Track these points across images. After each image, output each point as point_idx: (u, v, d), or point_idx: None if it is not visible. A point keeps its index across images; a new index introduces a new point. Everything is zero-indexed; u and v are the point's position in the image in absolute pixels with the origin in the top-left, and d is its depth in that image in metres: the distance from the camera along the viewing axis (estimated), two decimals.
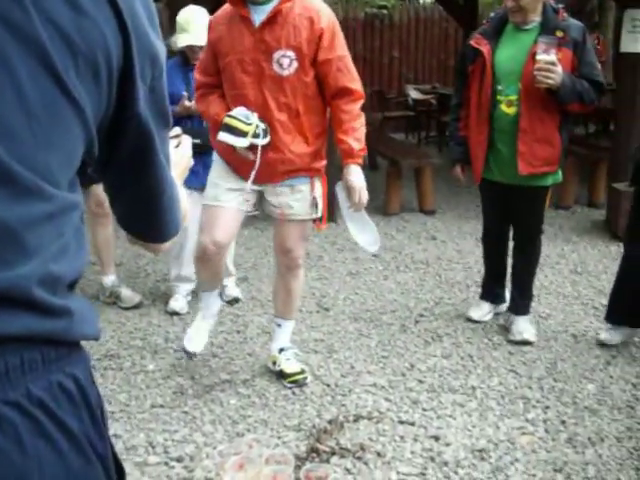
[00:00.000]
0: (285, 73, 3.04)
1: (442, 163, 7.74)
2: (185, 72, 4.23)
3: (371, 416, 3.20)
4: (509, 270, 4.22)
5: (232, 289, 4.65)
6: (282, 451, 2.86)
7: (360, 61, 13.05)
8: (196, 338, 3.56)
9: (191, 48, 4.12)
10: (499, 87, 3.72)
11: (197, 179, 3.59)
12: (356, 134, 3.16)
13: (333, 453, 2.90)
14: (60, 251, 0.92)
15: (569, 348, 3.91)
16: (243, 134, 3.02)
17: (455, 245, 5.98)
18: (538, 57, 3.50)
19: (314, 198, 3.28)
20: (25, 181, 0.86)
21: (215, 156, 3.35)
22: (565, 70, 3.53)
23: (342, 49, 3.12)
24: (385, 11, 13.59)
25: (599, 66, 3.80)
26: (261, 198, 3.34)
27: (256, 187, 3.26)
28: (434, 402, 3.33)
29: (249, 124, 3.02)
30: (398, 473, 2.77)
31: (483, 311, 4.29)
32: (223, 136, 3.03)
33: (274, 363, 3.58)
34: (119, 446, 2.95)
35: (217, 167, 3.33)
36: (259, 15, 3.02)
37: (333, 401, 3.34)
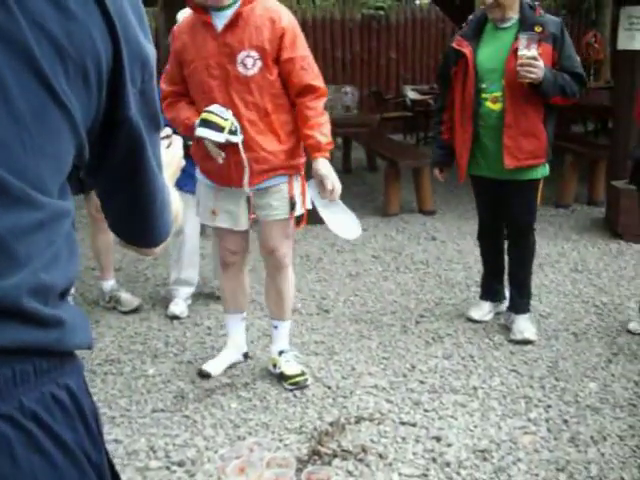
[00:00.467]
0: (250, 73, 3.10)
1: None
2: None
3: (372, 418, 3.19)
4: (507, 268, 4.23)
5: None
6: (284, 454, 2.85)
7: (357, 62, 13.09)
8: (215, 361, 3.68)
9: None
10: (483, 85, 3.78)
11: (192, 181, 3.58)
12: (322, 129, 3.18)
13: (335, 455, 2.89)
14: (51, 260, 0.90)
15: (570, 347, 3.90)
16: (220, 129, 3.06)
17: (455, 245, 5.97)
18: (520, 53, 3.55)
19: (292, 197, 3.30)
20: (14, 190, 0.84)
21: (198, 175, 3.42)
22: (546, 64, 3.59)
23: (304, 49, 3.19)
24: (382, 12, 13.58)
25: (578, 58, 3.87)
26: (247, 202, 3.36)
27: (239, 194, 3.30)
28: (435, 403, 3.32)
29: (225, 119, 3.07)
30: (400, 475, 2.76)
31: (484, 311, 4.28)
32: (201, 131, 3.07)
33: (274, 366, 3.58)
34: (120, 451, 2.95)
35: (203, 189, 3.42)
36: (221, 20, 3.11)
37: (334, 403, 3.33)
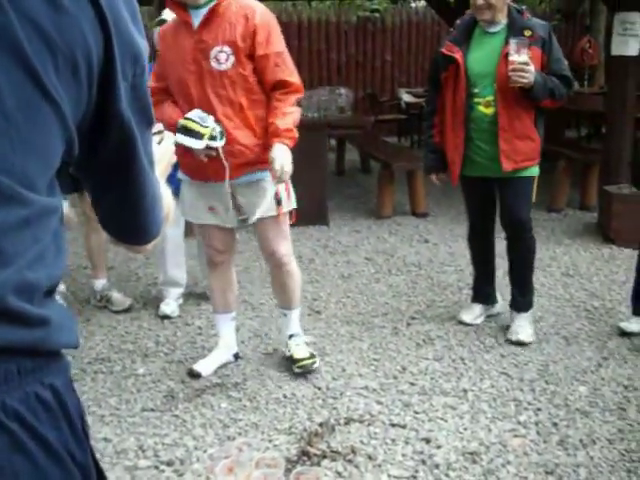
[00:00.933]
0: (223, 67, 3.15)
1: None
2: None
3: (362, 419, 3.19)
4: (505, 269, 4.24)
5: None
6: (273, 454, 2.85)
7: (352, 64, 13.09)
8: (205, 361, 3.68)
9: None
10: (475, 90, 3.79)
11: (175, 181, 3.57)
12: (285, 117, 3.19)
13: (324, 456, 2.89)
14: (37, 257, 0.89)
15: (561, 350, 3.91)
16: (199, 136, 3.10)
17: (447, 248, 5.98)
18: (511, 58, 3.58)
19: (276, 193, 3.32)
20: (2, 187, 0.83)
21: (181, 174, 3.45)
22: (535, 68, 3.61)
23: (279, 45, 3.21)
24: (377, 14, 13.60)
25: (566, 61, 3.92)
26: (234, 202, 3.38)
27: (222, 190, 3.32)
28: (425, 405, 3.32)
29: (205, 126, 3.10)
30: (389, 476, 2.76)
31: (475, 314, 4.29)
32: (180, 138, 3.08)
33: (287, 348, 3.70)
34: (109, 450, 2.94)
35: (186, 187, 3.45)
36: (198, 18, 3.18)
37: (324, 404, 3.33)
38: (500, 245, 4.25)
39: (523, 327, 4.03)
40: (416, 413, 3.24)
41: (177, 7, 3.20)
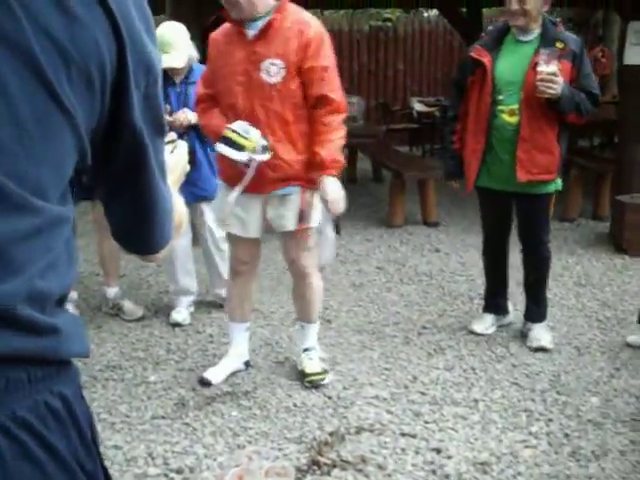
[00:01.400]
0: (272, 80, 3.14)
1: None
2: (164, 87, 4.22)
3: (373, 428, 3.18)
4: (519, 280, 4.24)
5: None
6: (283, 463, 2.84)
7: (365, 73, 13.12)
8: (216, 369, 3.66)
9: (171, 69, 4.07)
10: (500, 97, 3.76)
11: (188, 190, 3.58)
12: (330, 145, 3.20)
13: (334, 465, 2.88)
14: (48, 266, 0.89)
15: (572, 361, 3.89)
16: (241, 148, 3.09)
17: (459, 257, 5.96)
18: (540, 68, 3.55)
19: (302, 210, 3.33)
20: (14, 196, 0.83)
21: (219, 182, 3.49)
22: (564, 81, 3.59)
23: (327, 60, 3.21)
24: (390, 24, 13.63)
25: (595, 78, 3.90)
26: (264, 213, 3.41)
27: (256, 202, 3.36)
28: (436, 415, 3.31)
29: (246, 138, 3.09)
30: None
31: (486, 324, 4.27)
32: (220, 147, 3.12)
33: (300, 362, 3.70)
34: (119, 457, 2.94)
35: (222, 193, 3.43)
36: (253, 30, 3.17)
37: (335, 413, 3.32)
38: (513, 255, 4.24)
39: (542, 335, 4.04)
40: (426, 423, 3.23)
41: (233, 20, 3.22)
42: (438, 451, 2.99)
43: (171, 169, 1.22)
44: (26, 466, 0.84)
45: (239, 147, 3.09)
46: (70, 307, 4.09)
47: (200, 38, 5.26)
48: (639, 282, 5.22)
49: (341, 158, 3.26)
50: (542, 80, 3.54)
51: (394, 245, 6.36)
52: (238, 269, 3.59)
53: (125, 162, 1.02)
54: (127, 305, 4.59)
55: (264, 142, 3.13)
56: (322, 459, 2.91)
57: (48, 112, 0.85)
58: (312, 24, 3.19)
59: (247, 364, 3.77)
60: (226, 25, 3.32)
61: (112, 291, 4.61)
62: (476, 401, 3.44)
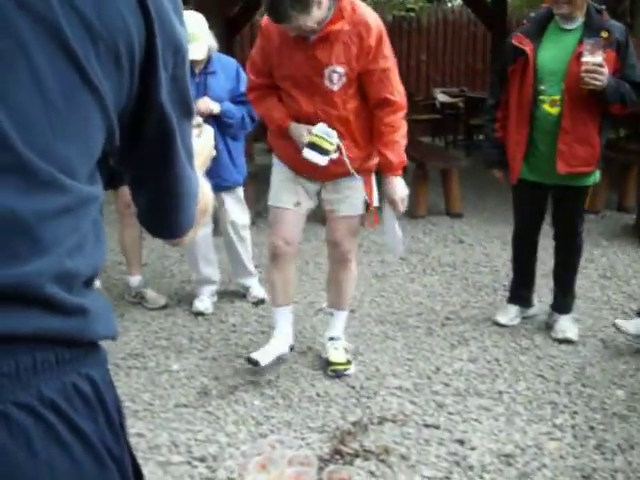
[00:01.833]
0: (335, 88, 3.15)
1: (469, 166, 7.71)
2: None
3: (396, 419, 3.16)
4: (548, 271, 4.20)
5: (257, 290, 4.64)
6: (305, 452, 2.84)
7: None
8: (265, 350, 3.60)
9: (191, 60, 4.06)
10: (542, 87, 3.69)
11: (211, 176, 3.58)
12: (395, 147, 3.27)
13: (357, 455, 2.87)
14: (76, 246, 0.88)
15: (598, 353, 3.85)
16: (327, 152, 3.16)
17: (482, 248, 5.92)
18: (584, 59, 3.47)
19: (366, 201, 3.42)
20: (42, 173, 0.82)
21: (274, 159, 3.51)
22: (608, 71, 3.50)
23: (387, 61, 3.18)
24: (413, 14, 13.55)
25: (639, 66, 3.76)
26: (317, 194, 3.49)
27: (313, 185, 3.45)
28: (460, 406, 3.29)
29: (332, 143, 3.17)
30: (422, 477, 2.74)
31: (510, 315, 4.24)
32: (308, 153, 3.16)
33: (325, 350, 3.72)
34: (142, 445, 2.95)
35: (278, 170, 3.49)
36: (312, 33, 3.08)
37: (358, 403, 3.31)
38: (540, 248, 4.20)
39: (568, 326, 4.01)
40: (450, 414, 3.21)
41: None
42: (462, 442, 2.97)
43: (197, 153, 1.21)
44: (53, 448, 0.83)
45: (325, 152, 3.16)
46: None
47: (224, 27, 5.25)
48: None
49: (405, 157, 3.34)
50: (587, 71, 3.46)
51: (417, 236, 6.33)
52: (281, 250, 3.50)
53: (152, 144, 1.00)
54: (150, 294, 4.60)
55: (339, 141, 3.20)
56: (345, 449, 2.91)
57: (75, 88, 0.84)
58: (371, 24, 3.10)
59: (292, 348, 3.75)
60: None
61: (135, 280, 4.62)
62: (500, 393, 3.41)
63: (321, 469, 2.71)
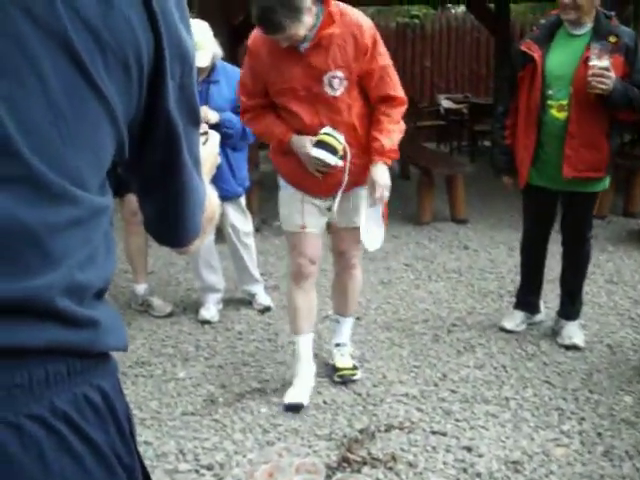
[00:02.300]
0: (337, 93, 3.07)
1: (474, 172, 7.70)
2: None
3: (403, 426, 3.16)
4: (555, 276, 4.19)
5: (263, 297, 4.65)
6: (313, 460, 2.83)
7: None
8: (299, 392, 3.39)
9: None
10: (549, 92, 3.69)
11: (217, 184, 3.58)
12: (390, 135, 3.16)
13: (364, 463, 2.86)
14: (88, 258, 0.88)
15: (605, 359, 3.84)
16: (335, 152, 3.06)
17: (488, 254, 5.92)
18: (591, 63, 3.47)
19: (383, 214, 3.33)
20: (52, 184, 0.82)
21: (281, 182, 3.38)
22: (616, 75, 3.50)
23: (384, 59, 3.14)
24: (417, 20, 13.57)
25: None
26: (328, 209, 3.36)
27: (323, 202, 3.32)
28: (467, 413, 3.28)
29: (340, 142, 3.08)
30: None
31: (517, 321, 4.23)
32: (317, 152, 3.05)
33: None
34: (149, 453, 2.95)
35: (285, 193, 3.36)
36: (304, 43, 3.02)
37: (364, 411, 3.31)
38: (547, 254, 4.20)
39: (575, 332, 4.00)
40: (457, 421, 3.21)
41: None
42: (469, 449, 2.97)
43: (203, 161, 1.21)
44: (65, 459, 0.84)
45: (334, 150, 3.06)
46: None
47: (229, 36, 5.25)
48: None
49: (397, 149, 3.23)
50: (594, 75, 3.45)
51: (422, 242, 6.33)
52: (307, 271, 3.37)
53: (159, 153, 1.00)
54: (156, 302, 4.61)
55: (345, 145, 3.12)
56: (352, 456, 2.90)
57: (85, 99, 0.84)
58: (363, 24, 3.07)
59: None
60: (263, 37, 3.10)
61: (141, 288, 4.63)
62: (507, 399, 3.40)
63: (329, 477, 2.71)
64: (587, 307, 4.55)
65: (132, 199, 4.19)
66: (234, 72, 4.24)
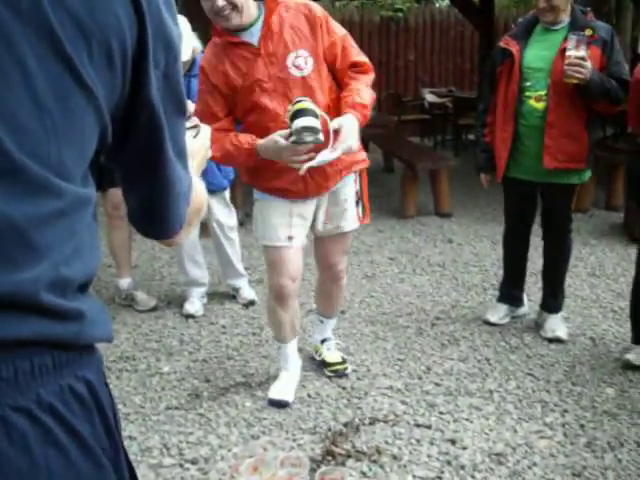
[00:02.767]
0: (305, 73, 2.95)
1: (458, 166, 7.72)
2: None
3: (387, 419, 3.17)
4: (537, 269, 4.22)
5: (247, 291, 4.65)
6: (297, 454, 2.84)
7: (376, 64, 12.93)
8: (284, 389, 3.37)
9: None
10: (527, 83, 3.74)
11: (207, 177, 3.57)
12: (360, 93, 2.95)
13: (349, 456, 2.87)
14: (73, 252, 0.87)
15: (587, 351, 3.87)
16: (317, 116, 2.75)
17: (471, 248, 5.94)
18: (568, 52, 3.52)
19: (357, 192, 3.24)
20: (36, 177, 0.81)
21: (257, 195, 3.22)
22: (593, 67, 3.54)
23: (340, 29, 3.06)
24: (401, 14, 13.56)
25: (627, 66, 3.82)
26: (313, 215, 3.23)
27: (311, 205, 3.18)
28: (451, 405, 3.30)
29: (318, 107, 2.80)
30: (414, 477, 2.74)
31: (500, 314, 4.25)
32: (300, 121, 2.70)
33: (316, 352, 3.68)
34: (134, 448, 2.94)
35: (263, 205, 3.19)
36: (251, 36, 2.96)
37: (349, 404, 3.31)
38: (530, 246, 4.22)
39: (557, 325, 4.03)
40: (441, 414, 3.22)
41: (225, 33, 2.99)
42: (453, 442, 2.98)
43: (193, 154, 1.20)
44: (51, 451, 0.84)
45: (316, 115, 2.74)
46: None
47: (209, 29, 5.23)
48: None
49: (369, 110, 2.98)
50: (570, 64, 3.49)
51: (406, 236, 6.35)
52: (287, 289, 3.22)
53: (141, 141, 0.99)
54: (140, 296, 4.59)
55: (323, 113, 2.81)
56: (337, 449, 2.91)
57: (68, 89, 0.83)
58: (309, 3, 3.01)
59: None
60: (211, 47, 3.05)
61: (124, 282, 4.61)
62: (491, 392, 3.42)
63: (313, 470, 2.72)
64: (570, 300, 4.58)
65: (114, 193, 4.18)
66: None
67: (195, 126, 1.32)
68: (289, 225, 3.14)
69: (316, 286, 3.70)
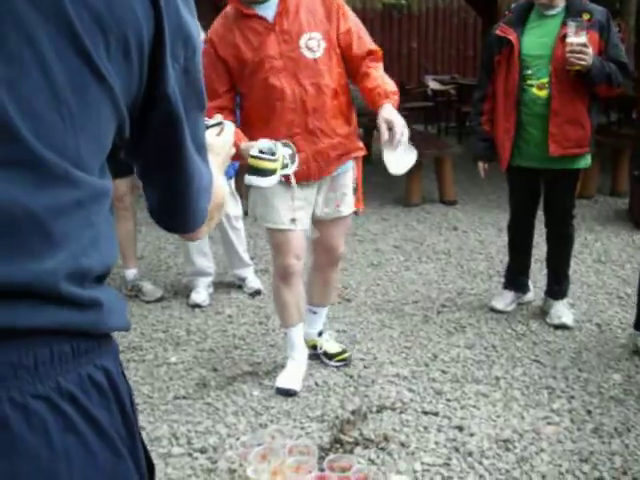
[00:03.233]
0: (317, 55, 2.97)
1: (462, 153, 7.70)
2: None
3: (394, 407, 3.18)
4: (543, 256, 4.23)
5: (253, 281, 4.66)
6: (305, 442, 2.85)
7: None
8: (292, 377, 3.38)
9: None
10: (528, 72, 3.72)
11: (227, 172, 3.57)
12: (385, 80, 3.04)
13: (356, 444, 2.88)
14: (91, 242, 0.88)
15: (594, 338, 3.87)
16: (270, 173, 2.80)
17: (477, 235, 5.94)
18: (569, 40, 3.50)
19: (354, 179, 3.30)
20: (54, 167, 0.82)
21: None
22: (593, 51, 3.54)
23: (353, 16, 3.11)
24: (403, 1, 13.50)
25: (623, 47, 3.81)
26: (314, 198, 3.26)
27: (312, 188, 3.19)
28: (458, 392, 3.31)
29: (275, 160, 2.80)
30: (422, 464, 2.75)
31: (506, 301, 4.26)
32: (251, 179, 2.83)
33: (314, 347, 3.62)
34: (143, 437, 2.95)
35: (272, 190, 3.10)
36: (267, 10, 2.96)
37: (356, 392, 3.33)
38: (535, 233, 4.22)
39: (563, 311, 4.03)
40: (448, 401, 3.23)
41: (239, 4, 2.97)
42: (460, 429, 2.99)
43: (217, 152, 1.21)
44: (71, 439, 0.85)
45: (269, 172, 2.80)
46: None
47: (212, 19, 5.21)
48: None
49: (398, 94, 3.06)
50: (572, 51, 3.49)
51: (411, 224, 6.35)
52: (294, 269, 3.26)
53: (159, 135, 1.00)
54: (146, 286, 4.61)
55: (289, 150, 2.87)
56: (344, 437, 2.92)
57: (86, 82, 0.84)
58: None
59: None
60: (221, 18, 3.04)
61: (131, 273, 4.63)
62: (497, 379, 3.43)
63: (321, 458, 2.73)
64: (575, 286, 4.58)
65: (118, 184, 4.18)
66: None
67: (219, 123, 1.32)
68: (292, 208, 3.14)
69: (308, 278, 3.63)
